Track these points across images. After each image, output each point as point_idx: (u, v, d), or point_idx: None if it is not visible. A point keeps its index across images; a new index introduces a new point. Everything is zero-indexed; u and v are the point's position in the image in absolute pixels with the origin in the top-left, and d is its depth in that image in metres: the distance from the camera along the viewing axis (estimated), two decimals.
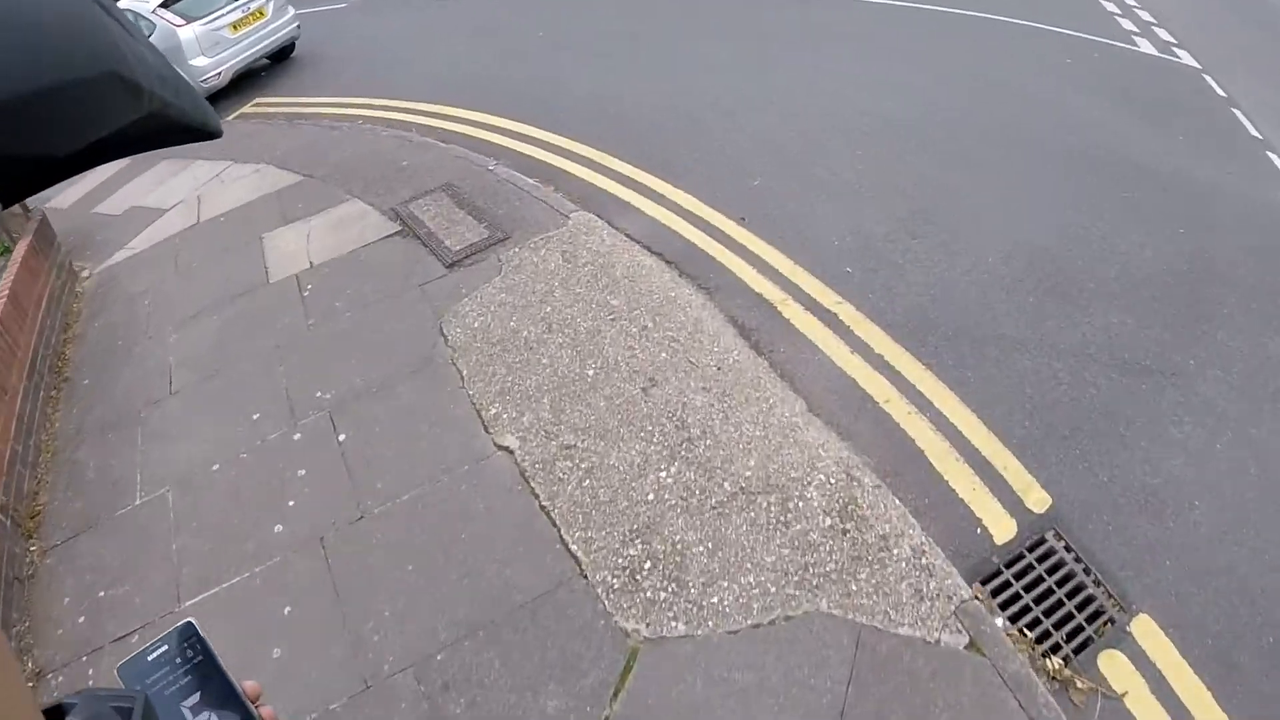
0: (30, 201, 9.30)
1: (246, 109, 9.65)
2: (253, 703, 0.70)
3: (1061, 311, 4.27)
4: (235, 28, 9.64)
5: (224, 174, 7.55)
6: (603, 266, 4.65)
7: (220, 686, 0.68)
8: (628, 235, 4.99)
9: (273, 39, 10.15)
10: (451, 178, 6.00)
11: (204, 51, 9.42)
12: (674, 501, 3.24)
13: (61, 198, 9.05)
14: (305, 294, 5.25)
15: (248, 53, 9.86)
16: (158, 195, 7.73)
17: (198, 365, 4.85)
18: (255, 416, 4.28)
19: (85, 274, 6.72)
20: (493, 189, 5.71)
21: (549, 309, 4.40)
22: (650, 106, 7.01)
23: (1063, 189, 5.35)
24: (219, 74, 9.57)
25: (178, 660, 0.68)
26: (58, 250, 6.39)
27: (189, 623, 0.71)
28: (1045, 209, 5.13)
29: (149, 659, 0.68)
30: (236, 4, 9.69)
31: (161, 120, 0.50)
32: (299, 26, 10.54)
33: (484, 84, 8.17)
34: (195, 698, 0.67)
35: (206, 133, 0.61)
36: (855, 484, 3.22)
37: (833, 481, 3.23)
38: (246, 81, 10.24)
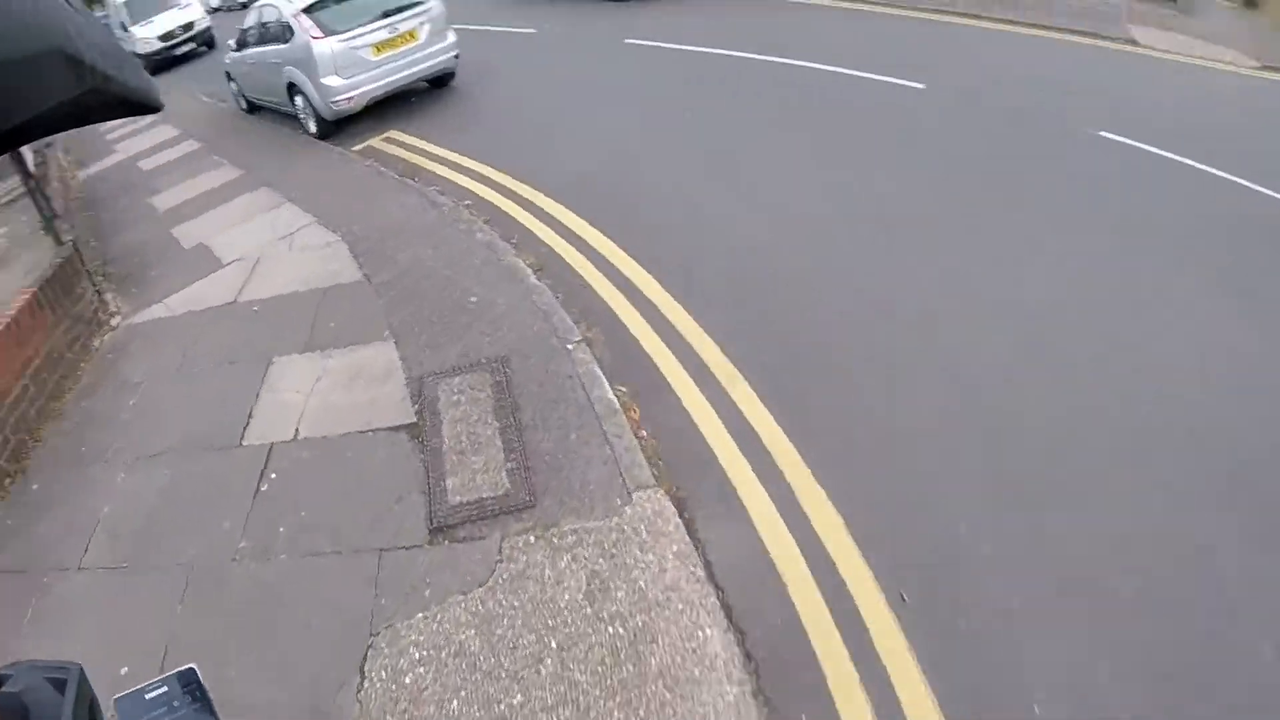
0: (138, 192, 8.96)
1: (376, 141, 8.63)
2: None
3: None
4: (379, 49, 8.62)
5: (298, 234, 6.44)
6: (639, 635, 2.85)
7: None
8: (706, 572, 3.11)
9: (421, 67, 9.11)
10: (513, 347, 4.41)
11: (338, 71, 8.46)
12: None
13: (163, 197, 8.38)
14: (262, 488, 3.87)
15: (389, 79, 8.85)
16: (229, 238, 6.77)
17: (117, 543, 3.81)
18: (123, 671, 2.98)
19: (115, 321, 5.74)
20: (555, 391, 4.05)
21: (517, 701, 2.67)
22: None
23: None
24: (350, 98, 8.62)
25: (175, 703, 0.68)
26: (80, 298, 5.39)
27: (191, 668, 0.70)
28: None
29: (147, 696, 0.68)
30: (385, 22, 8.62)
31: (103, 94, 0.46)
32: (457, 56, 9.47)
33: (632, 191, 6.51)
34: None
35: (148, 107, 0.53)
36: None
37: None
38: (393, 105, 9.23)
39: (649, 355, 4.39)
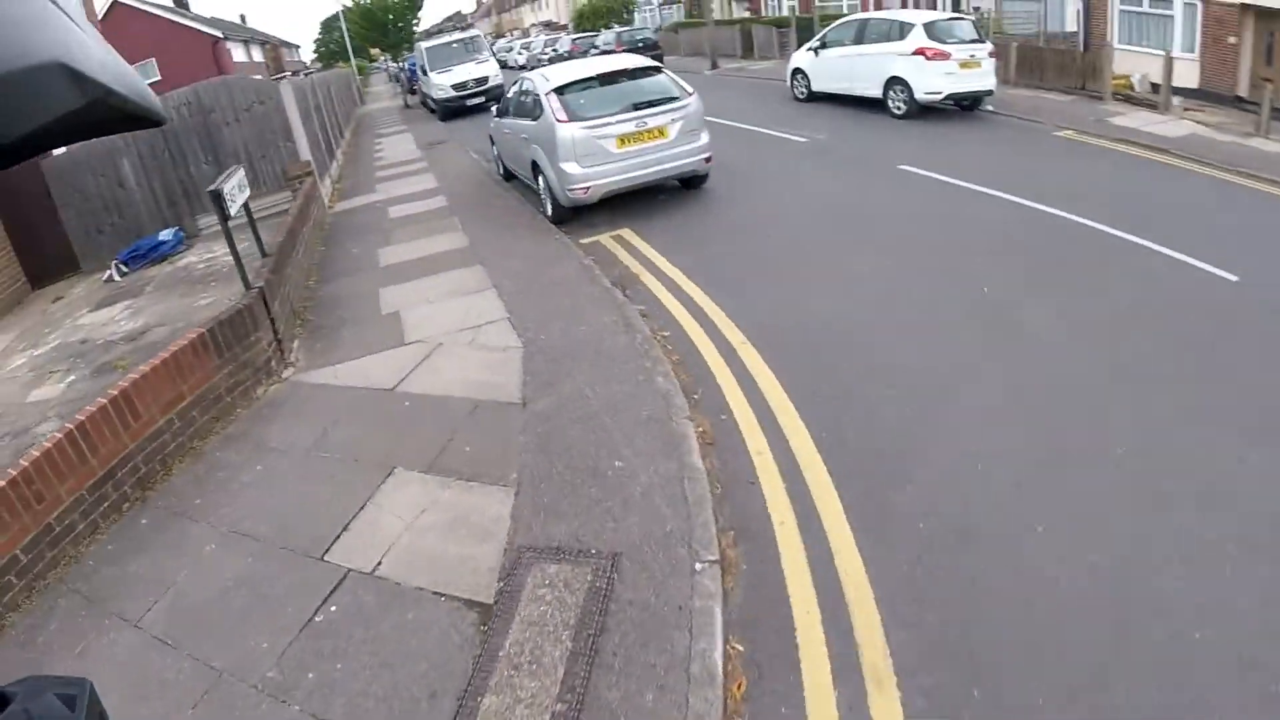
0: (374, 238, 9.43)
1: (605, 237, 8.57)
2: None
3: None
4: (623, 142, 8.52)
5: (484, 329, 6.31)
6: None
7: None
8: None
9: (666, 166, 8.85)
10: (632, 544, 3.71)
11: (578, 158, 8.47)
12: None
13: (391, 251, 8.74)
14: (315, 619, 3.49)
15: (629, 175, 8.68)
16: (421, 314, 6.81)
17: (173, 616, 3.70)
18: None
19: (285, 374, 5.80)
20: (655, 625, 3.27)
21: None
22: None
23: None
24: (586, 188, 8.57)
25: None
26: (254, 344, 5.47)
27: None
28: None
29: None
30: (634, 115, 8.53)
31: (104, 108, 0.46)
32: (708, 159, 9.20)
33: (862, 365, 5.44)
34: None
35: (150, 120, 0.53)
36: None
37: None
38: (639, 200, 9.21)
39: (793, 612, 3.44)
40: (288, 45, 53.77)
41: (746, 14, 33.10)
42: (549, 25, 51.94)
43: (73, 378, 6.37)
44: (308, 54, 69.48)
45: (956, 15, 13.76)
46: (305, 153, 11.76)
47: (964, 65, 12.32)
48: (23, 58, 0.40)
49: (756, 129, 13.47)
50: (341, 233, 10.46)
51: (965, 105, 13.15)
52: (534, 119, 9.22)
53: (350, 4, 49.51)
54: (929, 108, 12.86)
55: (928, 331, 5.73)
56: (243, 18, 59.00)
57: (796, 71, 15.91)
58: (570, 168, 8.53)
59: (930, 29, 12.55)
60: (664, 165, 8.80)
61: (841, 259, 7.32)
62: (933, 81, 12.39)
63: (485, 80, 22.52)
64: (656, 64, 9.35)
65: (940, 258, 7.07)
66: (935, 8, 22.42)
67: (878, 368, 5.27)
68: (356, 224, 10.85)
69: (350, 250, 9.45)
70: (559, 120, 8.56)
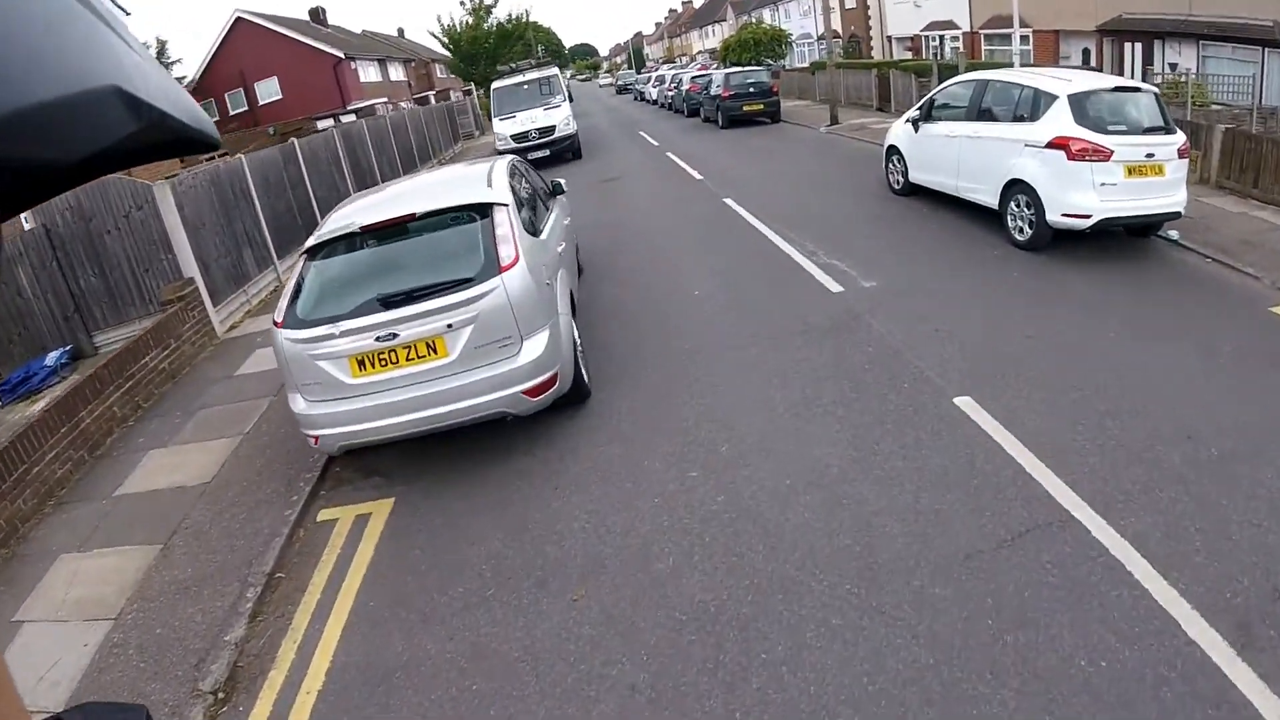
0: None
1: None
2: None
3: None
4: (362, 366, 4.76)
5: None
6: None
7: None
8: None
9: (439, 411, 4.93)
10: None
11: (301, 389, 5.02)
12: None
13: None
14: None
15: (373, 425, 4.99)
16: None
17: None
18: None
19: None
20: None
21: None
22: None
23: None
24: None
25: None
26: None
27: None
28: None
29: None
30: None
31: (159, 132, 0.46)
32: (541, 389, 5.14)
33: None
34: None
35: (205, 144, 0.52)
36: None
37: None
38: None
39: None
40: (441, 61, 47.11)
41: (908, 56, 27.77)
42: (714, 53, 48.21)
43: None
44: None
45: (1129, 85, 8.02)
46: (190, 267, 9.40)
47: (1133, 171, 7.09)
48: (80, 82, 0.41)
49: (788, 250, 8.86)
50: (195, 383, 7.81)
51: (1134, 229, 7.89)
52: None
53: (440, 32, 38.05)
54: (1068, 233, 7.66)
55: None
56: (400, 31, 58.47)
57: (892, 151, 10.93)
58: (296, 403, 5.02)
59: (1081, 106, 7.35)
60: (435, 410, 4.88)
61: None
62: (1077, 196, 7.23)
63: (550, 130, 19.12)
64: (481, 201, 5.23)
65: None
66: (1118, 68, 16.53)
67: None
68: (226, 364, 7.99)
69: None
70: (274, 323, 4.97)
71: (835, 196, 11.52)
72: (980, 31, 25.05)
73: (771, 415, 5.35)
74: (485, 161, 6.64)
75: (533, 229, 5.64)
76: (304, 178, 13.74)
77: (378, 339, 4.69)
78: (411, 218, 5.12)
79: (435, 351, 4.76)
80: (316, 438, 4.97)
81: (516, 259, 4.83)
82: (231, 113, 33.59)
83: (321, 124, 27.82)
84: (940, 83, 17.10)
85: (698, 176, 14.92)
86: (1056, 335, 5.98)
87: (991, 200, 8.34)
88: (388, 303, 4.73)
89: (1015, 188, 7.89)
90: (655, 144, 21.22)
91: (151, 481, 5.97)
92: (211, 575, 4.66)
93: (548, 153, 18.92)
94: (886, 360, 5.87)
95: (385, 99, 34.76)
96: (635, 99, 44.86)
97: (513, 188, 5.75)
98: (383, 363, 4.78)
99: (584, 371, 5.76)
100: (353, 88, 33.70)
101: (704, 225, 10.98)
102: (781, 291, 7.65)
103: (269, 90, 33.32)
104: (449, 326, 4.70)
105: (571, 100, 21.95)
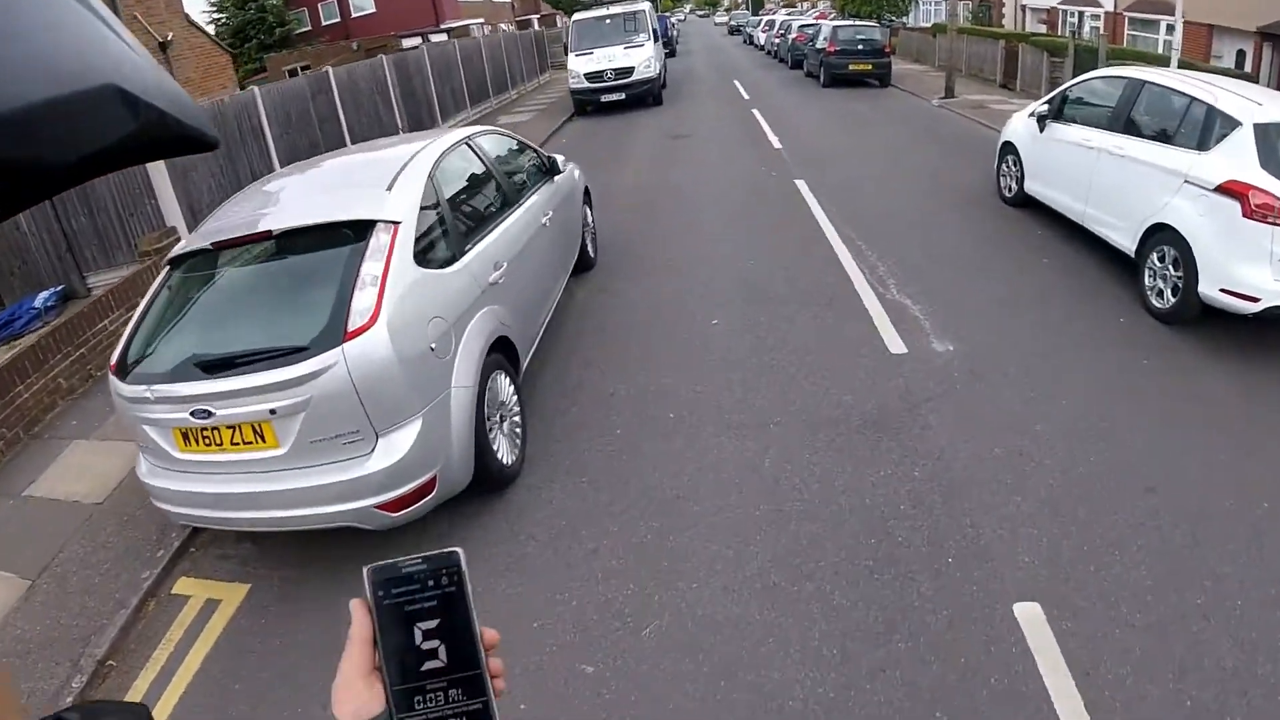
0: None
1: None
2: (487, 651, 0.67)
3: None
4: (187, 441, 3.66)
5: None
6: None
7: (461, 623, 0.66)
8: None
9: (271, 516, 3.74)
10: None
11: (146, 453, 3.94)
12: None
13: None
14: None
15: (196, 513, 3.99)
16: None
17: None
18: None
19: None
20: None
21: None
22: None
23: None
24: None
25: (430, 583, 0.66)
26: None
27: (455, 551, 0.67)
28: None
29: (402, 571, 0.66)
30: (197, 390, 3.72)
31: (157, 131, 0.46)
32: (400, 504, 3.77)
33: None
34: (432, 623, 0.65)
35: (203, 144, 0.52)
36: None
37: None
38: None
39: None
40: None
41: (1042, 30, 24.32)
42: (835, 1, 44.28)
43: None
44: None
45: None
46: (174, 215, 8.47)
47: None
48: (78, 81, 0.40)
49: (851, 274, 7.11)
50: None
51: None
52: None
53: None
54: (1220, 311, 5.47)
55: None
56: None
57: (1007, 149, 8.74)
58: (140, 464, 3.97)
59: (1273, 142, 5.19)
60: (268, 514, 3.63)
61: None
62: (1247, 269, 5.11)
63: (629, 72, 17.29)
64: (358, 218, 3.72)
65: None
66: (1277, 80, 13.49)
67: None
68: None
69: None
70: (109, 365, 3.83)
71: (930, 198, 9.44)
72: (1124, 14, 21.49)
73: (727, 588, 3.65)
74: (430, 137, 5.07)
75: (449, 252, 4.11)
76: (337, 112, 12.49)
77: (192, 414, 3.38)
78: (268, 235, 3.68)
79: (263, 439, 3.41)
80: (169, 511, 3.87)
81: (374, 319, 3.36)
82: (324, 23, 32.60)
83: (408, 42, 26.54)
84: (1076, 66, 14.31)
85: (776, 145, 13.03)
86: (1184, 491, 4.07)
87: (1127, 243, 6.27)
88: (208, 367, 3.37)
89: (1161, 235, 5.81)
90: (746, 97, 19.09)
91: (59, 484, 5.24)
92: (54, 642, 3.87)
93: (623, 96, 17.22)
94: (935, 512, 4.01)
95: (483, 20, 33.13)
96: (745, 42, 42.72)
97: (435, 189, 4.21)
98: (206, 442, 3.52)
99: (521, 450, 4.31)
100: (449, 5, 32.12)
101: (760, 215, 9.23)
102: (825, 342, 5.90)
103: (362, 2, 32.10)
104: (272, 412, 3.28)
105: (667, 40, 19.95)
